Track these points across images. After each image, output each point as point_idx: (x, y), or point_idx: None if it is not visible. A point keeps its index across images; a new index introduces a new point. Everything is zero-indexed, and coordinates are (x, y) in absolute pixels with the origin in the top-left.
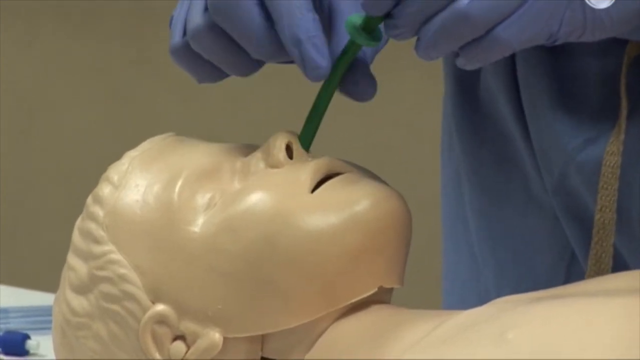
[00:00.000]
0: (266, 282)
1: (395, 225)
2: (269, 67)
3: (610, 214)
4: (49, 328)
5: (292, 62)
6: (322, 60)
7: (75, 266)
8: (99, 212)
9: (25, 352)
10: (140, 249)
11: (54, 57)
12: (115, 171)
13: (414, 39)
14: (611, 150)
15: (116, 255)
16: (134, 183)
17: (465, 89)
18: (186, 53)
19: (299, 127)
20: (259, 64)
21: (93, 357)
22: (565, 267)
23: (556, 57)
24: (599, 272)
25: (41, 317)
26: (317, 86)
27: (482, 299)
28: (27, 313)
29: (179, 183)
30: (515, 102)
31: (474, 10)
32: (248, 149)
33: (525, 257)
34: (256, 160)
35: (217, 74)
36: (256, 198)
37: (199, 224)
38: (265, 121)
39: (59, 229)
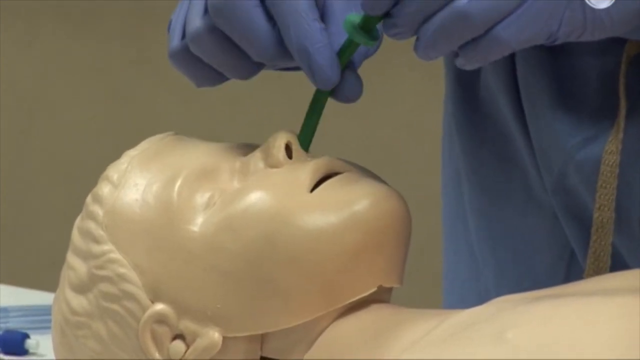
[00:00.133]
0: (266, 282)
1: (394, 224)
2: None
3: (609, 212)
4: (49, 327)
5: (292, 69)
6: (331, 70)
7: (75, 265)
8: (99, 211)
9: (24, 352)
10: (139, 248)
11: (54, 57)
12: (114, 170)
13: (414, 38)
14: (610, 149)
15: (115, 255)
16: (133, 182)
17: (465, 88)
18: (185, 56)
19: (298, 127)
20: (259, 67)
21: (92, 357)
22: (565, 267)
23: (555, 56)
24: (598, 271)
25: (41, 317)
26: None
27: (482, 299)
28: (26, 312)
29: (178, 182)
30: (515, 101)
31: (473, 9)
32: (247, 148)
33: (525, 256)
34: (255, 160)
35: (216, 77)
36: (256, 197)
37: (198, 223)
38: (264, 121)
39: (59, 229)
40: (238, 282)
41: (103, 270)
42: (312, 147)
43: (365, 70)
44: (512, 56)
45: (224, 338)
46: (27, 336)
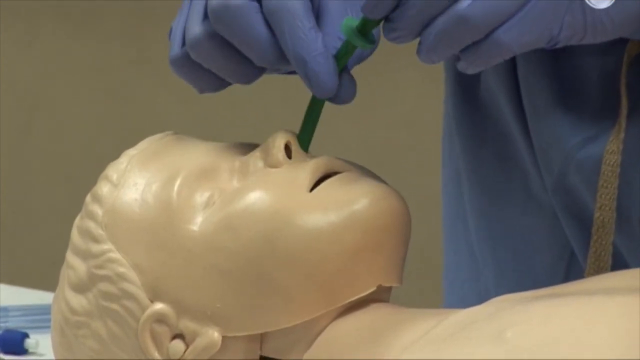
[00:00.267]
0: (265, 281)
1: (394, 223)
2: None
3: (609, 212)
4: (48, 327)
5: (294, 72)
6: (328, 78)
7: (74, 265)
8: (98, 210)
9: (24, 351)
10: (139, 247)
11: (54, 57)
12: (114, 170)
13: (414, 40)
14: (611, 149)
15: (115, 254)
16: (133, 182)
17: (466, 89)
18: (186, 63)
19: (297, 127)
20: (260, 71)
21: (92, 356)
22: (565, 267)
23: (556, 56)
24: (599, 271)
25: (40, 316)
26: None
27: (482, 299)
28: (26, 312)
29: (178, 182)
30: (515, 101)
31: (473, 13)
32: (247, 148)
33: (525, 256)
34: (255, 159)
35: (218, 83)
36: (255, 197)
37: (197, 223)
38: (264, 121)
39: (59, 228)
40: (237, 281)
41: (102, 269)
42: (311, 147)
43: (365, 70)
44: (513, 56)
45: (224, 337)
46: (26, 336)
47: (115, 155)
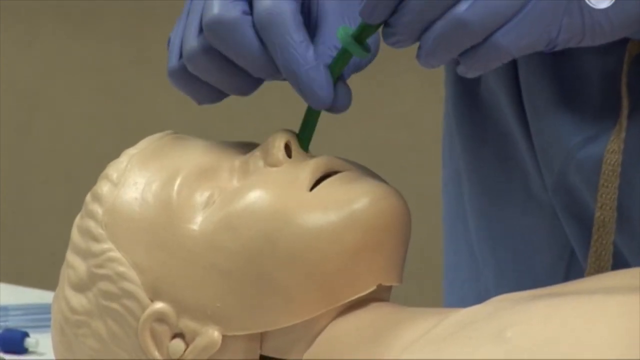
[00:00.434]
0: (265, 280)
1: (394, 223)
2: None
3: (610, 211)
4: (48, 326)
5: None
6: (322, 91)
7: (75, 264)
8: (98, 210)
9: (24, 350)
10: (139, 246)
11: (54, 57)
12: (114, 169)
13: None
14: (612, 149)
15: (115, 253)
16: (133, 181)
17: (466, 89)
18: (183, 75)
19: (297, 126)
20: (257, 82)
21: (92, 356)
22: (565, 266)
23: (557, 56)
24: (599, 270)
25: (40, 315)
26: None
27: (482, 299)
28: (26, 311)
29: (178, 181)
30: (516, 101)
31: (471, 17)
32: (246, 147)
33: (525, 256)
34: (255, 159)
35: (216, 95)
36: (255, 196)
37: (197, 222)
38: (264, 120)
39: (59, 227)
40: (237, 280)
41: (102, 268)
42: (311, 147)
43: (365, 70)
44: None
45: (224, 337)
46: (26, 335)
47: (115, 154)
